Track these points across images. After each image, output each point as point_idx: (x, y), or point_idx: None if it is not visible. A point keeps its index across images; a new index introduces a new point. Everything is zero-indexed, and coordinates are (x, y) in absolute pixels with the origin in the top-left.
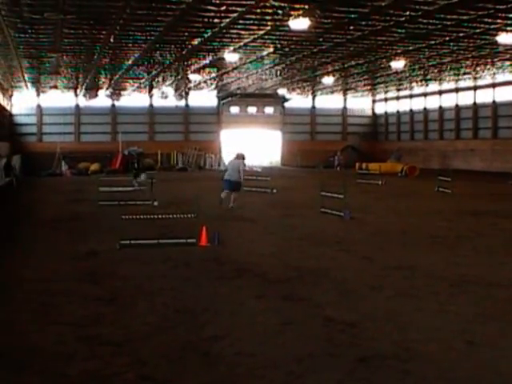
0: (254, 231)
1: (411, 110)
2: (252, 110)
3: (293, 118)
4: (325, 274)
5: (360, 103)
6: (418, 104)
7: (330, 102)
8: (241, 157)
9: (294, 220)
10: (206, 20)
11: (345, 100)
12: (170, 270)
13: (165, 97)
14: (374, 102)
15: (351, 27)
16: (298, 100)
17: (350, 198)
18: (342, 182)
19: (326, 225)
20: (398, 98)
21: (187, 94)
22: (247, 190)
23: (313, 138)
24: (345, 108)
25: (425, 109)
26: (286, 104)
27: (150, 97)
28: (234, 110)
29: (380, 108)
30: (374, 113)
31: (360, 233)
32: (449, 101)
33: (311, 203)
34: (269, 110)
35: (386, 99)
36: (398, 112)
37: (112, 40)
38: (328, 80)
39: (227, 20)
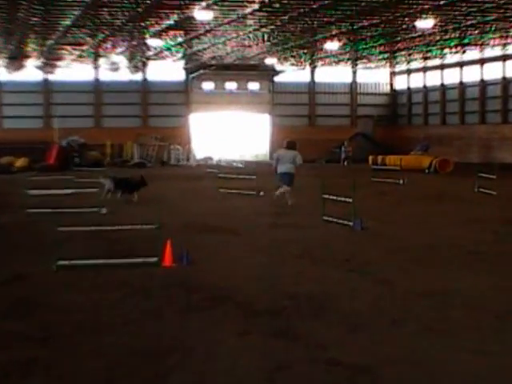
0: (236, 246)
1: (443, 85)
2: (231, 86)
3: (285, 97)
4: (329, 303)
5: (374, 77)
6: (451, 77)
7: (334, 75)
8: (293, 145)
9: (288, 231)
10: None
11: (354, 73)
12: (124, 298)
13: (115, 69)
14: (392, 74)
15: None
16: (292, 73)
17: (361, 202)
18: (350, 181)
19: (330, 237)
20: (424, 69)
21: (145, 65)
22: (228, 193)
23: (312, 123)
24: (354, 83)
25: (461, 83)
26: (277, 78)
27: (96, 69)
28: (208, 86)
29: (401, 83)
30: (392, 89)
31: (375, 248)
32: (493, 72)
33: (310, 209)
34: (253, 86)
35: (408, 71)
36: (424, 87)
37: None
38: (332, 46)
39: None
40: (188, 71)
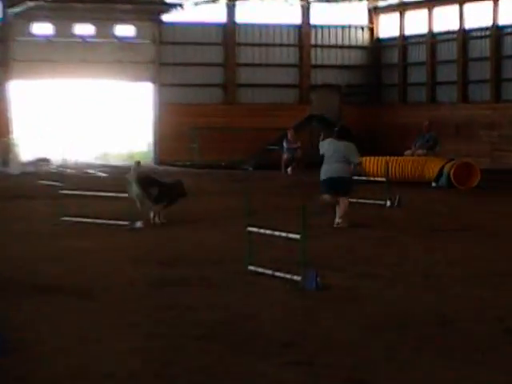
0: (90, 319)
1: (464, 32)
2: (85, 30)
3: (182, 52)
4: None
5: (342, 16)
6: (478, 17)
7: (270, 13)
8: (345, 133)
9: (184, 293)
10: None
11: (306, 9)
12: None
13: None
14: (372, 12)
15: None
16: (194, 9)
17: (317, 241)
18: (298, 203)
19: (260, 304)
20: (430, 2)
21: None
22: (77, 222)
23: (230, 99)
24: (306, 27)
25: (496, 28)
26: (167, 18)
27: None
28: (42, 30)
29: (389, 27)
30: (374, 39)
31: (341, 322)
32: None
33: (227, 252)
34: (125, 31)
35: (402, 6)
36: (431, 36)
37: None
38: None
39: None
40: (5, 3)
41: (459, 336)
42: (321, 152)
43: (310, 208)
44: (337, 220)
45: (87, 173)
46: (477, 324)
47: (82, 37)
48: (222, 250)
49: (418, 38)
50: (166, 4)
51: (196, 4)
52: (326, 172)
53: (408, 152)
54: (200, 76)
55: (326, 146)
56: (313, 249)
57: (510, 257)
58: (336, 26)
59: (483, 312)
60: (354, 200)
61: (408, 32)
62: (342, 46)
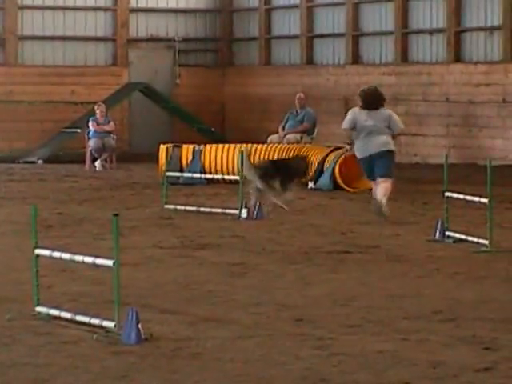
0: None
1: None
2: None
3: None
4: None
5: None
6: None
7: None
8: (378, 98)
9: None
10: None
11: None
12: None
13: None
14: None
15: None
16: None
17: (139, 269)
18: (108, 215)
19: (54, 364)
20: None
21: None
22: None
23: (11, 59)
24: None
25: None
26: None
27: None
28: None
29: None
30: None
31: None
32: None
33: (5, 287)
34: None
35: None
36: None
37: None
38: None
39: None
40: None
41: None
42: (347, 125)
43: (133, 221)
44: (379, 198)
45: None
46: None
47: None
48: None
49: None
50: None
51: None
52: (366, 148)
53: (273, 137)
54: None
55: (359, 117)
56: (134, 281)
57: (418, 290)
58: None
59: (380, 374)
60: (194, 208)
61: None
62: None
